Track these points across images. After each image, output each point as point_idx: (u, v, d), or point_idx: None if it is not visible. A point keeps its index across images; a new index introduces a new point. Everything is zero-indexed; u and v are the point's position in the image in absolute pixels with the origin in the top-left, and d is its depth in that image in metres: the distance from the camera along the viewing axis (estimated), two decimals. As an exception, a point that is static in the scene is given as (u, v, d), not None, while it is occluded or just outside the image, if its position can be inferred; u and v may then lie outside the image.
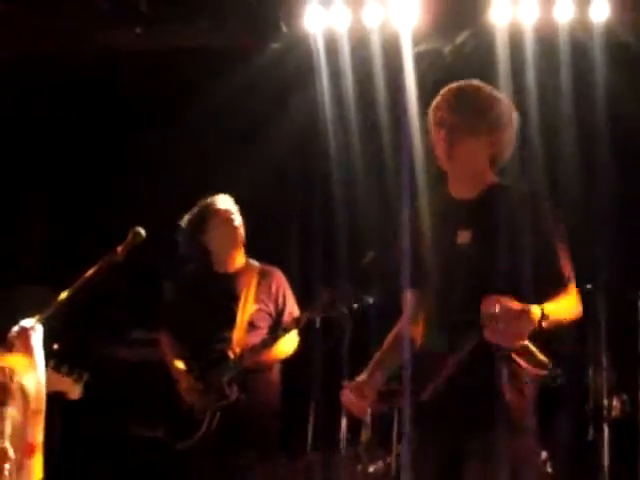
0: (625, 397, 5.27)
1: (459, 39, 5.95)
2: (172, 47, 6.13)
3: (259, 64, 6.00)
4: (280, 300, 5.06)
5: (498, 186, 3.31)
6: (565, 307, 3.16)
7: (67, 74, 6.31)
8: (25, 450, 2.90)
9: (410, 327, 3.39)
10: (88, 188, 6.62)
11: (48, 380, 4.05)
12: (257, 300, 4.99)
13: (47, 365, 3.28)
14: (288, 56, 5.94)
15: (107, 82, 6.45)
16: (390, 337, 3.50)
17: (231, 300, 4.99)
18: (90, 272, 3.49)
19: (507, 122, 3.31)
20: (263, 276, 5.08)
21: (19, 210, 6.63)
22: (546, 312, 3.03)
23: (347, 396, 3.38)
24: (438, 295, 3.28)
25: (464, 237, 3.25)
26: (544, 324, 3.02)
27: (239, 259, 5.11)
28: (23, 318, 3.27)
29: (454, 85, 3.36)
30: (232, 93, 6.05)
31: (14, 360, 2.80)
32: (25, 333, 3.10)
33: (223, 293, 5.02)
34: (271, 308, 5.04)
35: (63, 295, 3.43)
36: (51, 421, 3.19)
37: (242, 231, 5.06)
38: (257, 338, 4.93)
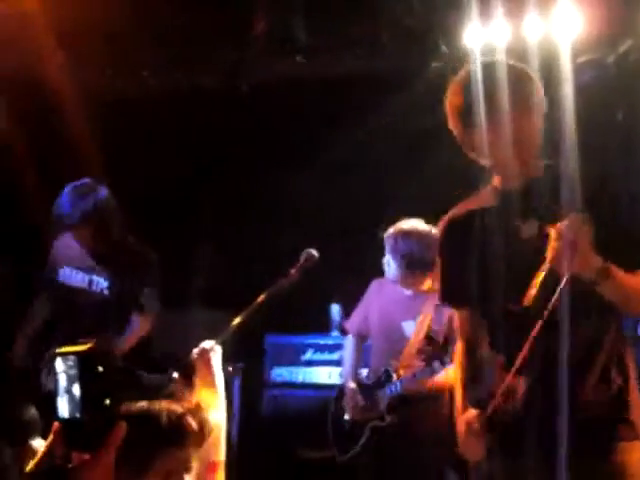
0: None
1: (622, 48, 5.82)
2: (334, 73, 6.21)
3: (419, 85, 6.03)
4: (451, 330, 4.95)
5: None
6: (635, 282, 2.74)
7: (226, 108, 6.44)
8: (208, 468, 2.99)
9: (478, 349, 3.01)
10: (261, 212, 6.79)
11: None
12: (429, 328, 4.95)
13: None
14: (448, 75, 5.92)
15: (265, 112, 6.58)
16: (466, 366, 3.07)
17: (408, 322, 5.00)
18: (263, 296, 3.57)
19: None
20: (440, 306, 5.03)
21: (193, 234, 6.83)
22: (612, 269, 2.64)
23: (471, 441, 2.89)
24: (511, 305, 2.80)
25: (528, 229, 2.81)
26: (603, 280, 2.63)
27: (427, 283, 5.05)
28: (197, 342, 3.35)
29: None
30: (395, 114, 6.09)
31: (204, 395, 2.90)
32: (206, 354, 3.20)
33: (402, 314, 5.02)
34: (440, 338, 4.95)
35: (237, 319, 3.52)
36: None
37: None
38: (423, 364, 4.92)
